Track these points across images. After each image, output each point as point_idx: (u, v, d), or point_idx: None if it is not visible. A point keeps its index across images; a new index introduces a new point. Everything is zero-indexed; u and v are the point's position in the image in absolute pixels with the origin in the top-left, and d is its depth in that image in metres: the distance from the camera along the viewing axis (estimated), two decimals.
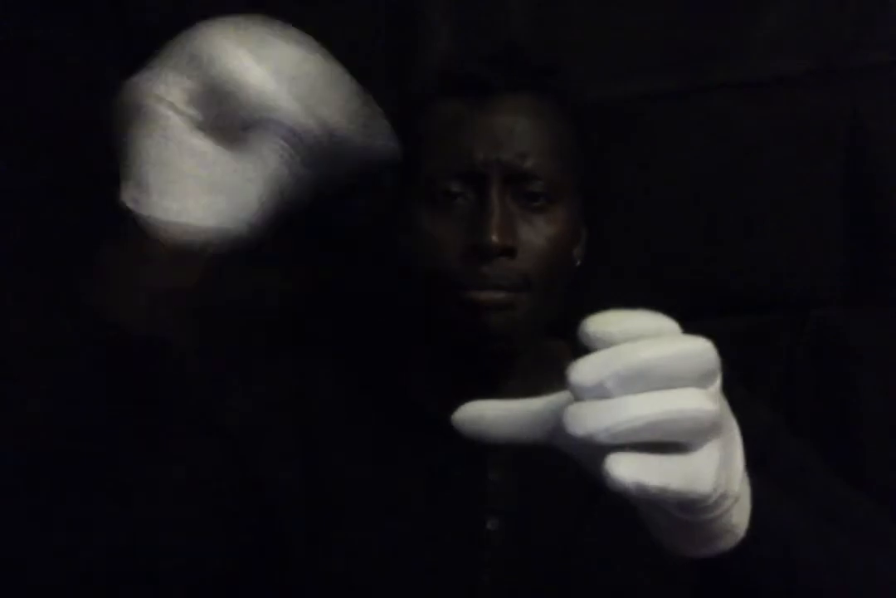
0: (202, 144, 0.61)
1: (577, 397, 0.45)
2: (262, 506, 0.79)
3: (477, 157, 0.78)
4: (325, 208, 1.03)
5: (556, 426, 0.48)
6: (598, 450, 0.44)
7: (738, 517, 0.51)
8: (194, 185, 0.60)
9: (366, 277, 1.02)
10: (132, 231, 0.61)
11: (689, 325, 1.05)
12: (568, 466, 0.73)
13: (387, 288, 0.74)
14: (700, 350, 0.46)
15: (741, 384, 0.85)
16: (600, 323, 0.47)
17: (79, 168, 1.02)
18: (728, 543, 0.51)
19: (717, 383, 0.48)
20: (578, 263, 0.87)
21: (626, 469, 0.44)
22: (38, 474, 0.62)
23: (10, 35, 1.03)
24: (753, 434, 0.80)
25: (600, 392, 0.44)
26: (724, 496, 0.48)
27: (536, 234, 0.79)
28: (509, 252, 0.77)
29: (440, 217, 0.79)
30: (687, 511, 0.48)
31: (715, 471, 0.46)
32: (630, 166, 1.04)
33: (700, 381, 0.46)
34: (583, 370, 0.45)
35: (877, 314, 1.04)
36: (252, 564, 0.78)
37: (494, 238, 0.76)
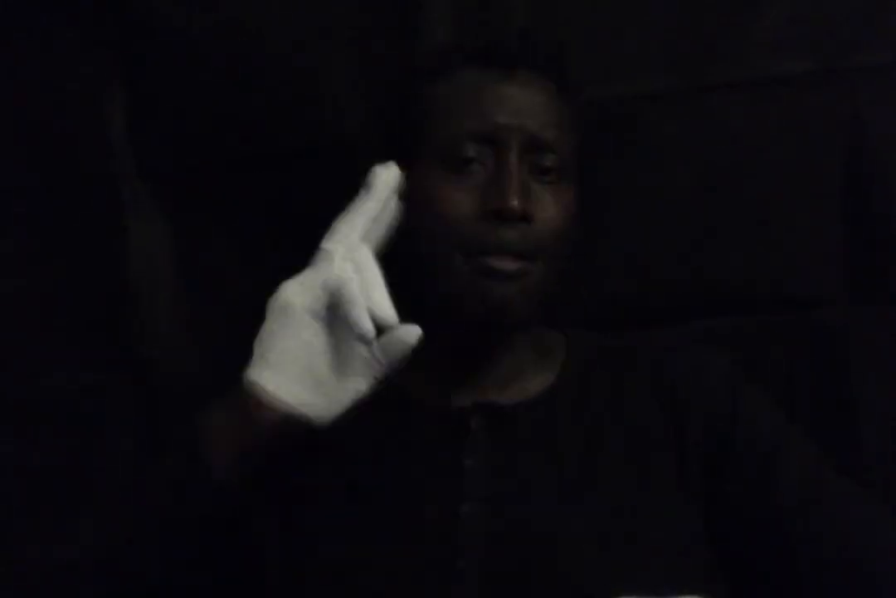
0: (321, 345, 0.74)
1: None
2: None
3: (500, 121, 0.79)
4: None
5: None
6: None
7: None
8: (307, 377, 0.74)
9: None
10: (246, 397, 0.74)
11: (689, 325, 1.05)
12: (546, 451, 0.73)
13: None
14: None
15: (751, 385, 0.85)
16: None
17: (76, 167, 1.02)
18: None
19: None
20: None
21: None
22: None
23: (9, 35, 1.03)
24: (765, 436, 0.81)
25: None
26: None
27: (548, 206, 0.79)
28: (527, 218, 0.78)
29: (455, 182, 0.79)
30: None
31: None
32: (630, 166, 1.04)
33: None
34: None
35: (877, 314, 1.04)
36: (226, 548, 0.78)
37: (515, 202, 0.76)
